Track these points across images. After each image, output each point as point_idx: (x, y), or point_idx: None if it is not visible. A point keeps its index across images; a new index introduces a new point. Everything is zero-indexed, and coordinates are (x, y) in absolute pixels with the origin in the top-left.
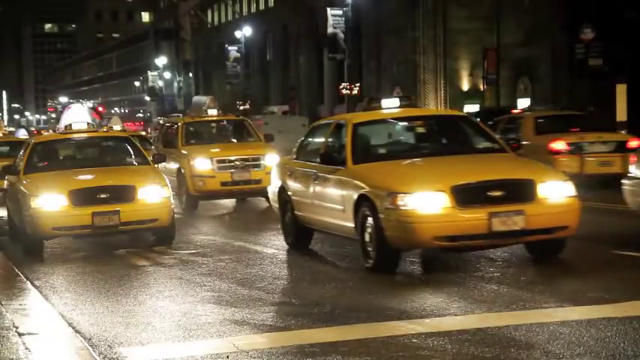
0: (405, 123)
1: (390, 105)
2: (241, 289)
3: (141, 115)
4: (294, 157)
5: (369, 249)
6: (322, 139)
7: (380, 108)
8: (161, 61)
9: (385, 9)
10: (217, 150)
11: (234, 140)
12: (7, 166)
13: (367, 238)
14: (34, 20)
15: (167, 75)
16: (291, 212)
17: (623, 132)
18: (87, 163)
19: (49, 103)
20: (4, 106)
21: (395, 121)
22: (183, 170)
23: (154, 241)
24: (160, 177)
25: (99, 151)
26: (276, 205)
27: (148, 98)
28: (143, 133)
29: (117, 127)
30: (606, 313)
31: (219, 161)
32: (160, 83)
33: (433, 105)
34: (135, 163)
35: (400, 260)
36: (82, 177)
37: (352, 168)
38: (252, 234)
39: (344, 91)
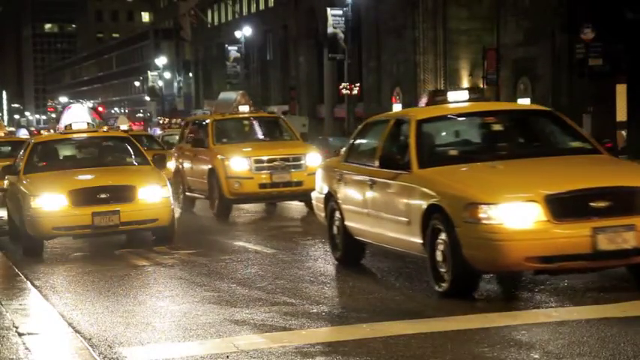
0: (479, 119)
1: (458, 98)
2: (241, 289)
3: (141, 115)
4: (344, 159)
5: (442, 270)
6: (379, 139)
7: (446, 102)
8: (161, 61)
9: (385, 9)
10: (254, 149)
11: (269, 139)
12: (7, 166)
13: (439, 256)
14: (34, 20)
15: (167, 75)
16: (340, 223)
17: (623, 132)
18: (87, 163)
19: (49, 103)
20: (4, 106)
21: (466, 117)
22: (216, 171)
23: (154, 241)
24: (159, 177)
25: (99, 151)
26: (321, 214)
27: (148, 98)
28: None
29: (124, 127)
30: (606, 313)
31: (257, 161)
32: (160, 83)
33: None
34: (135, 163)
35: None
36: (82, 177)
37: (419, 172)
38: (252, 234)
39: (344, 91)
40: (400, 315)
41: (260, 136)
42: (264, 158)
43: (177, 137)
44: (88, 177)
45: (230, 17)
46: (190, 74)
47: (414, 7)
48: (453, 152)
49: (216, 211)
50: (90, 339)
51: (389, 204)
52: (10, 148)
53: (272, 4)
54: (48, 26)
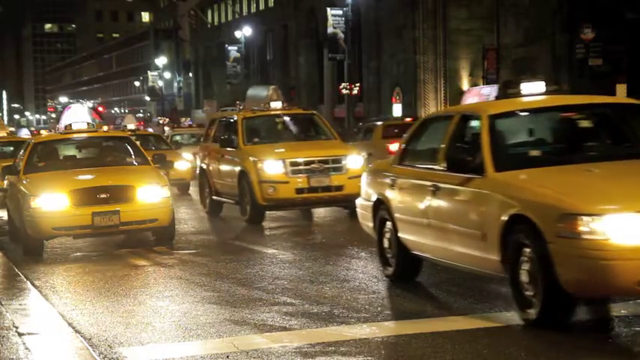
0: (561, 114)
1: (534, 91)
2: (241, 289)
3: (141, 115)
4: (398, 161)
5: (528, 293)
6: (441, 138)
7: (519, 95)
8: (161, 61)
9: (385, 9)
10: (289, 150)
11: (304, 139)
12: (7, 166)
13: (524, 277)
14: (34, 20)
15: (167, 75)
16: (392, 235)
17: None
18: (87, 163)
19: (49, 103)
20: (4, 106)
21: (546, 113)
22: (247, 175)
23: (154, 241)
24: (160, 177)
25: (99, 151)
26: (369, 225)
27: (148, 98)
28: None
29: (131, 126)
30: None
31: (293, 164)
32: (160, 83)
33: (433, 105)
34: (135, 163)
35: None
36: (82, 177)
37: (495, 177)
38: (252, 234)
39: (344, 91)
40: (400, 315)
41: (294, 135)
42: (301, 160)
43: (186, 137)
44: (88, 177)
45: (230, 17)
46: (190, 74)
47: (414, 7)
48: (535, 153)
49: (248, 218)
50: (90, 339)
51: (457, 214)
52: (12, 148)
53: (272, 4)
54: (48, 26)
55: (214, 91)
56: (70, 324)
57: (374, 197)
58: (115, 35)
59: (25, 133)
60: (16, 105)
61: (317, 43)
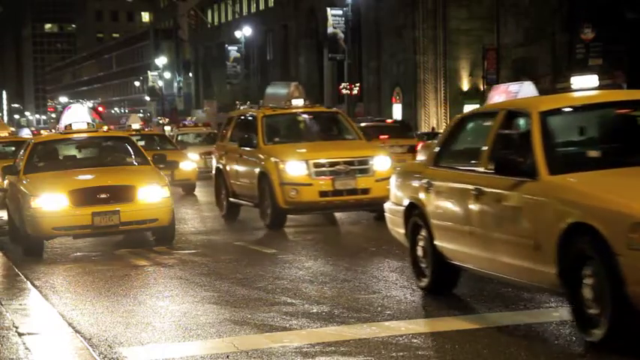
0: (619, 111)
1: (586, 85)
2: (241, 289)
3: (141, 115)
4: (433, 162)
5: (592, 311)
6: (484, 137)
7: (569, 89)
8: (161, 61)
9: (385, 9)
10: (313, 150)
11: (328, 138)
12: (7, 166)
13: (587, 293)
14: (34, 20)
15: (167, 75)
16: (427, 243)
17: None
18: (87, 163)
19: (49, 103)
20: (4, 106)
21: (602, 109)
22: (268, 176)
23: (154, 241)
24: (159, 177)
25: (99, 151)
26: (399, 231)
27: (148, 98)
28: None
29: (135, 126)
30: None
31: (316, 165)
32: (160, 83)
33: (433, 105)
34: (135, 163)
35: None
36: (82, 177)
37: (550, 180)
38: (252, 234)
39: (344, 91)
40: (400, 315)
41: (317, 134)
42: (326, 161)
43: (192, 137)
44: (88, 177)
45: (230, 17)
46: (190, 74)
47: (414, 7)
48: (594, 153)
49: (268, 221)
50: (90, 339)
51: (505, 221)
52: (14, 148)
53: (272, 4)
54: (48, 26)
55: (214, 91)
56: (70, 324)
57: (406, 201)
58: (115, 35)
59: (26, 133)
60: (16, 105)
61: (317, 43)
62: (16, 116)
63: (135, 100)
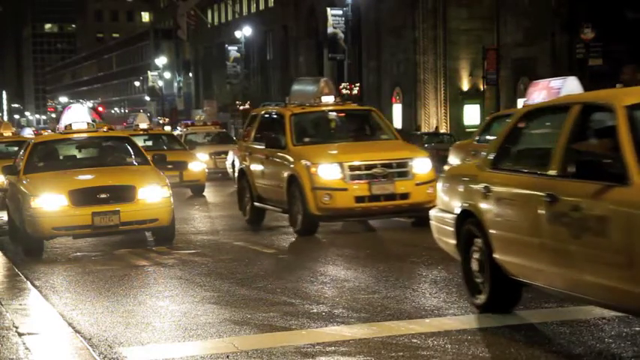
0: None
1: None
2: (241, 289)
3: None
4: (491, 164)
5: None
6: (556, 135)
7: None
8: (161, 61)
9: (385, 9)
10: (347, 152)
11: (362, 138)
12: (7, 165)
13: None
14: (34, 20)
15: (167, 75)
16: (484, 255)
17: None
18: (87, 163)
19: (49, 103)
20: (4, 106)
21: None
22: (299, 180)
23: (154, 241)
24: (159, 177)
25: (99, 151)
26: (449, 241)
27: (148, 98)
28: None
29: (143, 126)
30: (606, 313)
31: (352, 167)
32: (160, 83)
33: (433, 105)
34: (135, 163)
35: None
36: (82, 177)
37: None
38: (252, 234)
39: (344, 91)
40: (400, 315)
41: (350, 134)
42: (362, 164)
43: (201, 136)
44: (88, 177)
45: (230, 17)
46: (190, 74)
47: (414, 7)
48: None
49: (299, 228)
50: (90, 339)
51: (587, 232)
52: (17, 148)
53: (272, 4)
54: (48, 26)
55: (214, 91)
56: (70, 324)
57: (458, 209)
58: (115, 35)
59: (28, 133)
60: (16, 105)
61: (317, 43)
62: (16, 116)
63: (135, 100)
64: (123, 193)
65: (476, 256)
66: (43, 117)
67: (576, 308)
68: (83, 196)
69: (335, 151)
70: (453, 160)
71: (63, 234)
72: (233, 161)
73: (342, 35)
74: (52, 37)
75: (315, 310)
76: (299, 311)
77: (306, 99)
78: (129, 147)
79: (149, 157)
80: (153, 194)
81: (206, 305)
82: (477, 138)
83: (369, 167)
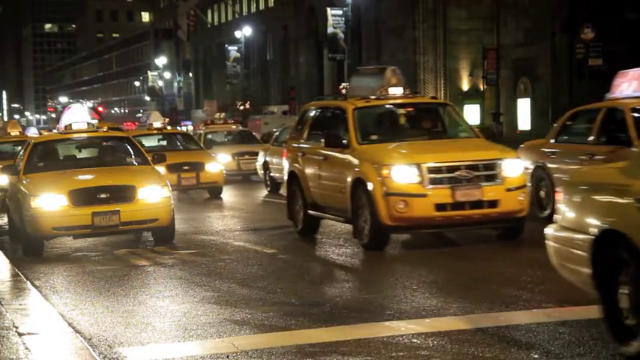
0: None
1: None
2: (241, 289)
3: (141, 114)
4: None
5: None
6: None
7: None
8: (161, 61)
9: (385, 9)
10: (424, 152)
11: (438, 136)
12: (7, 165)
13: None
14: (34, 20)
15: (167, 75)
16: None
17: None
18: (87, 163)
19: (49, 103)
20: (4, 106)
21: None
22: (366, 184)
23: (154, 241)
24: (159, 177)
25: (99, 151)
26: (582, 270)
27: (148, 98)
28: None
29: (157, 124)
30: None
31: (431, 170)
32: (160, 83)
33: None
34: (135, 163)
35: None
36: (82, 177)
37: None
38: (252, 234)
39: (344, 91)
40: (400, 315)
41: (424, 131)
42: (443, 165)
43: (222, 136)
44: (88, 177)
45: (230, 17)
46: (190, 74)
47: (414, 7)
48: None
49: (366, 241)
50: (90, 339)
51: None
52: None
53: (272, 4)
54: (48, 26)
55: (214, 91)
56: (70, 324)
57: (596, 228)
58: (115, 35)
59: (33, 132)
60: (16, 105)
61: (317, 42)
62: (16, 116)
63: (135, 100)
64: (123, 193)
65: (625, 290)
66: (43, 117)
67: (576, 308)
68: (83, 196)
69: (409, 151)
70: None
71: (63, 234)
72: (264, 162)
73: (342, 35)
74: (52, 37)
75: (315, 310)
76: (299, 311)
77: (370, 93)
78: (129, 147)
79: (149, 157)
80: (153, 194)
81: (206, 305)
82: (555, 137)
83: (451, 169)
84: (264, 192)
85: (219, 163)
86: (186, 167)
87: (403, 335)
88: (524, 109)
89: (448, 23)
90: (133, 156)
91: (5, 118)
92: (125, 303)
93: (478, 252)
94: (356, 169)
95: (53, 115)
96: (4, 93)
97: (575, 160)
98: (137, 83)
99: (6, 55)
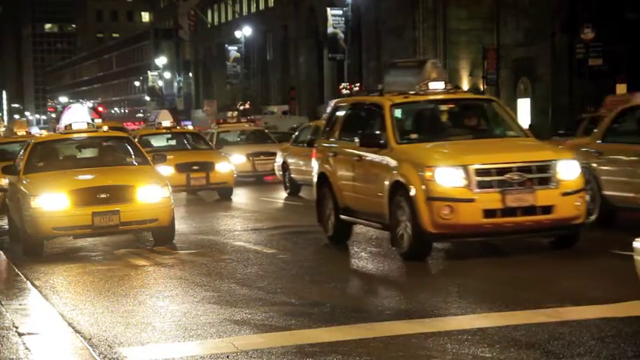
0: None
1: None
2: (241, 289)
3: (141, 115)
4: None
5: None
6: None
7: None
8: (161, 61)
9: (385, 9)
10: (470, 152)
11: (484, 135)
12: (7, 165)
13: None
14: (34, 20)
15: (167, 75)
16: None
17: None
18: (87, 163)
19: (49, 103)
20: (4, 106)
21: None
22: (407, 187)
23: (154, 241)
24: (159, 177)
25: (99, 151)
26: None
27: (148, 98)
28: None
29: (166, 124)
30: (606, 313)
31: (479, 172)
32: (160, 83)
33: None
34: (135, 163)
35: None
36: (82, 177)
37: None
38: (252, 234)
39: (344, 91)
40: (400, 315)
41: (468, 130)
42: (492, 167)
43: (235, 135)
44: (88, 177)
45: (230, 17)
46: (190, 74)
47: (414, 7)
48: None
49: (406, 249)
50: (90, 339)
51: None
52: None
53: (272, 4)
54: (48, 26)
55: (214, 91)
56: (70, 324)
57: None
58: (115, 35)
59: (36, 132)
60: (16, 105)
61: (317, 43)
62: (16, 116)
63: (135, 100)
64: (123, 193)
65: None
66: (43, 117)
67: (576, 308)
68: (83, 196)
69: (454, 151)
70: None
71: (63, 234)
72: (283, 163)
73: (342, 35)
74: (52, 37)
75: (315, 310)
76: (299, 311)
77: (408, 88)
78: (129, 147)
79: (149, 157)
80: (153, 194)
81: (206, 305)
82: (602, 137)
83: (501, 172)
84: (282, 194)
85: (229, 162)
86: (195, 167)
87: (403, 335)
88: (524, 109)
89: (448, 23)
90: (132, 156)
91: (5, 118)
92: (125, 303)
93: (475, 254)
94: (395, 171)
95: (53, 115)
96: (4, 93)
97: (628, 160)
98: (137, 83)
99: (6, 55)
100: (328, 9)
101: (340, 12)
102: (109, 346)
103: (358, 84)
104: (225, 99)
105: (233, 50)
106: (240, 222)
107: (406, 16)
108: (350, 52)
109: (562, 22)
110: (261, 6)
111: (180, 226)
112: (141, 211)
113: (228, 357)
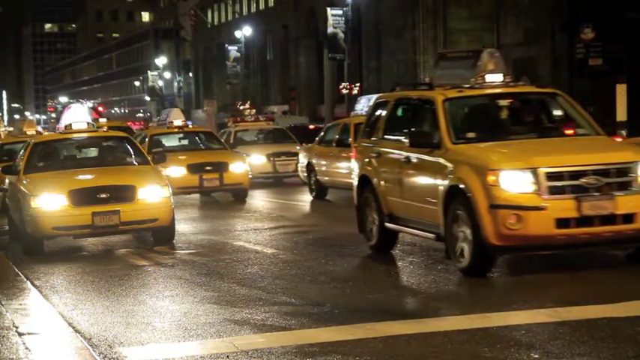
0: None
1: None
2: (241, 289)
3: (141, 115)
4: None
5: None
6: None
7: None
8: (161, 61)
9: (385, 9)
10: (538, 153)
11: (549, 134)
12: (7, 165)
13: None
14: (34, 20)
15: (167, 75)
16: None
17: (623, 132)
18: (87, 163)
19: (49, 103)
20: (4, 106)
21: None
22: (465, 194)
23: (154, 241)
24: (159, 177)
25: (99, 151)
26: None
27: (148, 98)
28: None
29: (177, 122)
30: (606, 313)
31: (551, 176)
32: (160, 83)
33: None
34: (135, 163)
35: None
36: (82, 177)
37: None
38: (252, 234)
39: (344, 91)
40: (400, 315)
41: (532, 127)
42: (565, 170)
43: (253, 134)
44: (88, 177)
45: (230, 17)
46: (190, 74)
47: (414, 7)
48: None
49: (466, 264)
50: (90, 339)
51: None
52: None
53: (272, 4)
54: (48, 26)
55: (214, 91)
56: (70, 324)
57: None
58: (115, 35)
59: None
60: (16, 105)
61: (317, 43)
62: (17, 116)
63: (135, 100)
64: (123, 193)
65: None
66: (43, 117)
67: (576, 308)
68: (83, 196)
69: (519, 152)
70: None
71: (63, 234)
72: (308, 164)
73: (342, 35)
74: (52, 37)
75: (315, 310)
76: (299, 311)
77: (462, 82)
78: (129, 147)
79: (149, 157)
80: (153, 194)
81: (206, 305)
82: None
83: (575, 176)
84: (306, 197)
85: (244, 162)
86: (208, 167)
87: (403, 335)
88: None
89: (448, 23)
90: (133, 156)
91: (5, 118)
92: (125, 303)
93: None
94: (451, 175)
95: (53, 115)
96: (4, 93)
97: None
98: (137, 83)
99: (6, 55)
100: (328, 9)
101: (340, 12)
102: (109, 346)
103: (358, 84)
104: (225, 99)
105: (233, 50)
106: (240, 222)
107: (406, 16)
108: (350, 52)
109: (562, 22)
110: (261, 6)
111: (180, 225)
112: (141, 211)
113: (228, 357)
